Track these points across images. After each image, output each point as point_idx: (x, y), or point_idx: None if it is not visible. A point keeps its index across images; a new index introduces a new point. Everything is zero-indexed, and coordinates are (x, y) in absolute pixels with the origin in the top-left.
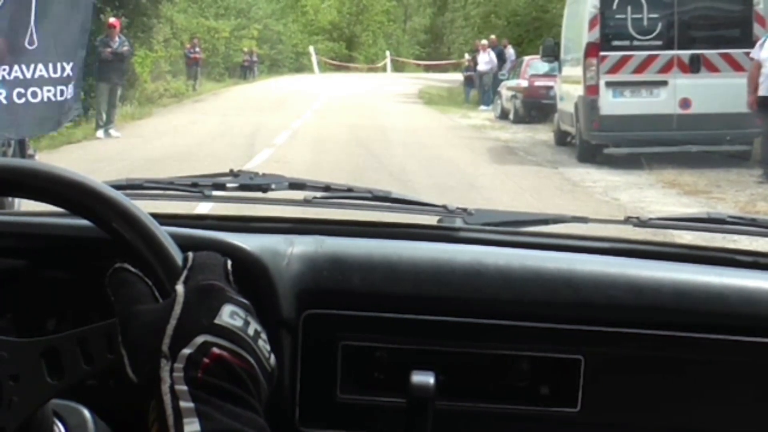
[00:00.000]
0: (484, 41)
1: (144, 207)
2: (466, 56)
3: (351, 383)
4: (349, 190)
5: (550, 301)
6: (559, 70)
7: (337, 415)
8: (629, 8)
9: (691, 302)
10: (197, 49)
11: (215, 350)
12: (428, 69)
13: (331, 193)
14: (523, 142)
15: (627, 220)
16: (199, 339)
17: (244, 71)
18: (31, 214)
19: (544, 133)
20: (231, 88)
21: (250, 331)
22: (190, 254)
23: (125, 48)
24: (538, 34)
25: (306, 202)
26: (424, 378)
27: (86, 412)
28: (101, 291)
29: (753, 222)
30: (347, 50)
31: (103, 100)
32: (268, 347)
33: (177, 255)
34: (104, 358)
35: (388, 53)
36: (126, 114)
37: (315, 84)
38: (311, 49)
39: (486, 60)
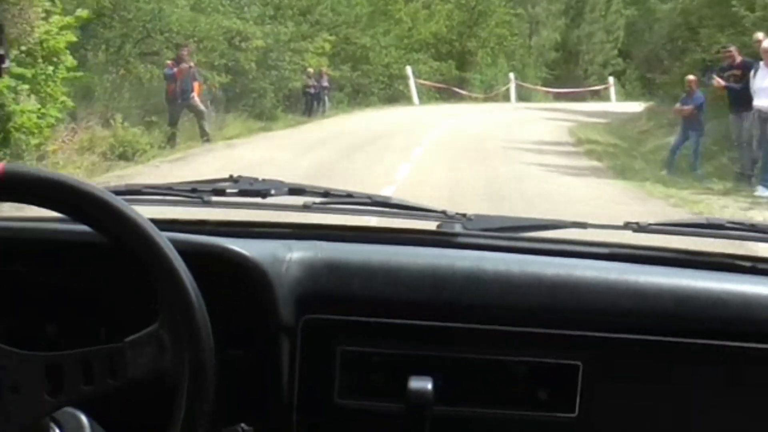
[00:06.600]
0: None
1: (143, 212)
2: (610, 80)
3: (349, 388)
4: (349, 195)
5: (548, 307)
6: None
7: (335, 420)
8: None
9: (690, 307)
10: (191, 65)
11: None
12: (558, 97)
13: (331, 198)
14: None
15: (626, 226)
16: None
17: (308, 103)
18: (30, 220)
19: None
20: (255, 135)
21: None
22: None
23: None
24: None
25: (305, 208)
26: (423, 383)
27: (84, 418)
28: (99, 296)
29: (752, 227)
30: (458, 71)
31: None
32: None
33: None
34: (105, 383)
35: (512, 76)
36: None
37: (411, 122)
38: (408, 70)
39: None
